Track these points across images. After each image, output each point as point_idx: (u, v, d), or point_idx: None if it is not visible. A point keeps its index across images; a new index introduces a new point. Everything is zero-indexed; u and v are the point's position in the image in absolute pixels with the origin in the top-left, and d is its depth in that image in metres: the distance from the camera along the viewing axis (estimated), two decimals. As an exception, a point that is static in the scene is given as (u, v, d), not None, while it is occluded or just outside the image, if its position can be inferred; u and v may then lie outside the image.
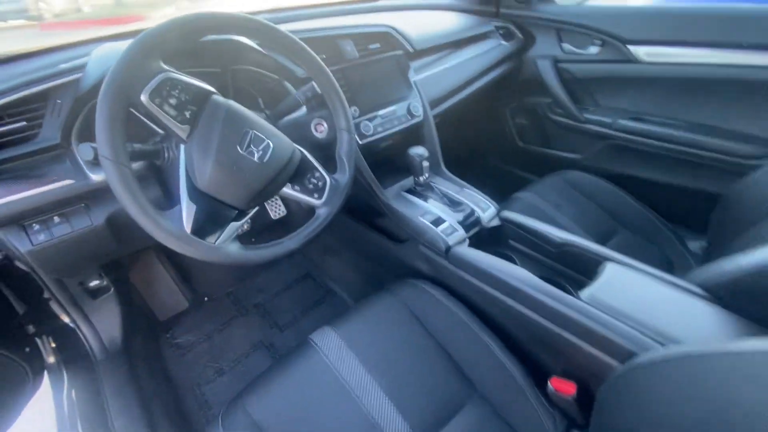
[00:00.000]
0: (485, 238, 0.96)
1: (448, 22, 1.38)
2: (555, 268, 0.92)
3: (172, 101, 0.57)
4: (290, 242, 0.71)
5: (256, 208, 0.70)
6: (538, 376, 0.76)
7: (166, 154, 0.69)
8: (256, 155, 0.63)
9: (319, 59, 0.72)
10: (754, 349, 0.37)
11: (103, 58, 0.68)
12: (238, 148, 0.62)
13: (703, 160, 1.23)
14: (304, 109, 0.90)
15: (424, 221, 0.93)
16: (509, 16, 1.51)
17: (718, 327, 0.62)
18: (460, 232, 0.91)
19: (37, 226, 0.66)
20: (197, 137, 0.60)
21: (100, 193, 0.70)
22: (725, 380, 0.37)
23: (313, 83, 0.75)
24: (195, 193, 0.61)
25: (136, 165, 0.73)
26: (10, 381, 0.85)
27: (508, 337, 0.82)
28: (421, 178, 1.00)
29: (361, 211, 1.15)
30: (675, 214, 1.33)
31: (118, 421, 0.91)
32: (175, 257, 1.33)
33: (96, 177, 0.68)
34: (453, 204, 0.99)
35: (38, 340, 1.02)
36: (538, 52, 1.50)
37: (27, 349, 0.99)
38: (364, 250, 1.26)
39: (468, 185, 1.05)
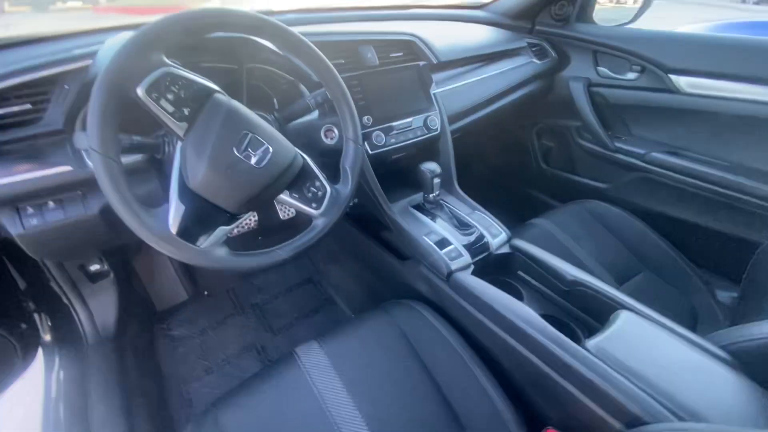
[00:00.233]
0: (492, 265, 0.91)
1: (478, 35, 1.33)
2: (564, 307, 0.86)
3: (170, 97, 0.55)
4: (281, 251, 0.67)
5: (250, 213, 0.67)
6: (533, 423, 0.70)
7: (166, 149, 0.68)
8: (253, 159, 0.61)
9: (329, 64, 0.69)
10: None
11: (114, 47, 0.67)
12: (235, 150, 0.59)
13: (742, 205, 1.13)
14: (316, 114, 0.88)
15: (428, 241, 0.88)
16: (544, 33, 1.45)
17: (744, 402, 0.55)
18: (465, 257, 0.86)
19: (30, 210, 0.66)
20: (193, 136, 0.58)
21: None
22: None
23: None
24: (186, 193, 0.59)
25: (137, 157, 0.72)
26: (-1, 359, 0.86)
27: (504, 376, 0.76)
28: (431, 196, 0.96)
29: (368, 221, 1.12)
30: (705, 259, 1.23)
31: (96, 409, 0.90)
32: None
33: None
34: (462, 226, 0.94)
35: (36, 318, 1.03)
36: (572, 73, 1.44)
37: (23, 326, 0.99)
38: (367, 262, 1.22)
39: (480, 207, 1.00)
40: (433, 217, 0.96)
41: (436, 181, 0.93)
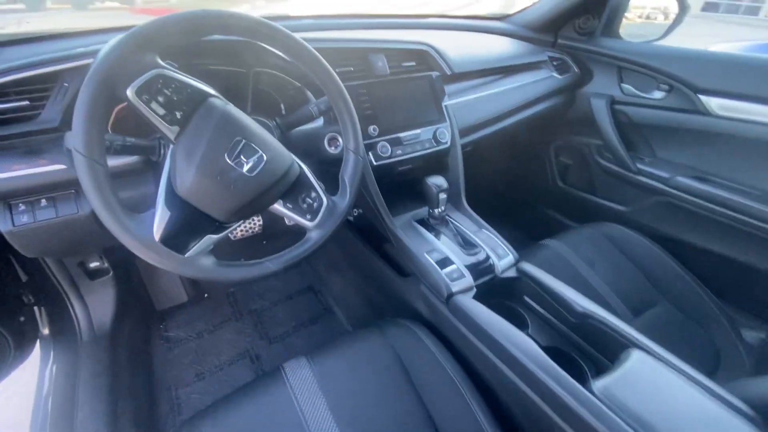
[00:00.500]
0: (497, 289, 0.86)
1: (497, 47, 1.29)
2: (572, 339, 0.80)
3: (162, 99, 0.53)
4: (270, 264, 0.65)
5: (240, 222, 0.65)
6: None
7: (162, 151, 0.66)
8: (245, 166, 0.58)
9: (331, 71, 0.66)
10: None
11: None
12: (226, 156, 0.57)
13: None
14: (321, 121, 0.85)
15: (430, 260, 0.84)
16: (567, 47, 1.40)
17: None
18: (467, 279, 0.81)
19: (22, 207, 0.65)
20: (184, 140, 0.56)
21: None
22: None
23: None
24: (173, 199, 0.57)
25: (133, 159, 0.70)
26: (-12, 351, 0.86)
27: (499, 410, 0.71)
28: (436, 211, 0.92)
29: (370, 232, 1.08)
30: (731, 293, 1.15)
31: (82, 411, 0.89)
32: None
33: None
34: (466, 245, 0.89)
35: (35, 311, 1.03)
36: (594, 89, 1.38)
37: (21, 318, 0.99)
38: (368, 275, 1.19)
39: (487, 226, 0.95)
40: (437, 234, 0.92)
41: (442, 196, 0.89)
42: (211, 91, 0.59)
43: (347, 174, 0.71)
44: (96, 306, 1.04)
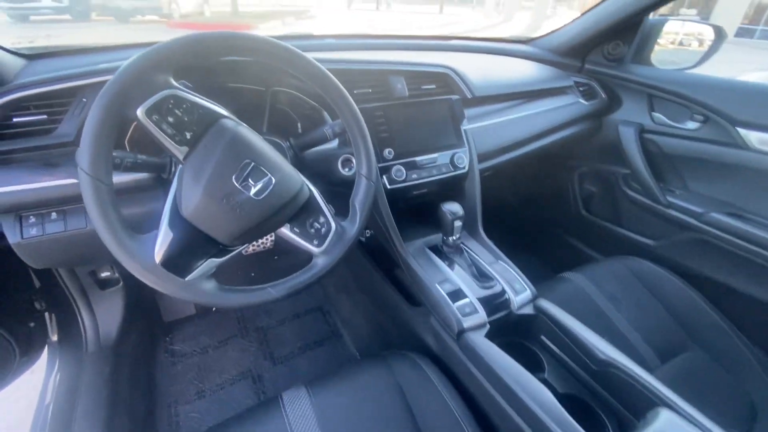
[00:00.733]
0: (512, 326, 0.80)
1: (521, 71, 1.26)
2: (592, 388, 0.73)
3: (172, 120, 0.53)
4: (273, 290, 0.62)
5: (244, 246, 0.63)
6: None
7: (173, 169, 0.65)
8: (252, 189, 0.56)
9: (346, 94, 0.65)
10: None
11: None
12: (233, 179, 0.55)
13: None
14: (336, 142, 0.84)
15: (441, 291, 0.80)
16: (594, 73, 1.35)
17: None
18: (481, 314, 0.77)
19: (32, 219, 0.65)
20: (193, 161, 0.55)
21: None
22: None
23: None
24: (177, 220, 0.55)
25: (145, 175, 0.70)
26: (-5, 358, 0.86)
27: None
28: (451, 239, 0.88)
29: (381, 255, 1.05)
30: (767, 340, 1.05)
31: (79, 424, 0.87)
32: None
33: None
34: (481, 277, 0.85)
35: (45, 318, 1.04)
36: (623, 117, 1.32)
37: (31, 324, 1.00)
38: (377, 301, 1.15)
39: (504, 257, 0.90)
40: (451, 263, 0.88)
41: (458, 223, 0.85)
42: (223, 112, 0.58)
43: (358, 199, 0.69)
44: (104, 316, 1.04)
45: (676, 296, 1.04)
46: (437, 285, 0.81)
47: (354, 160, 0.81)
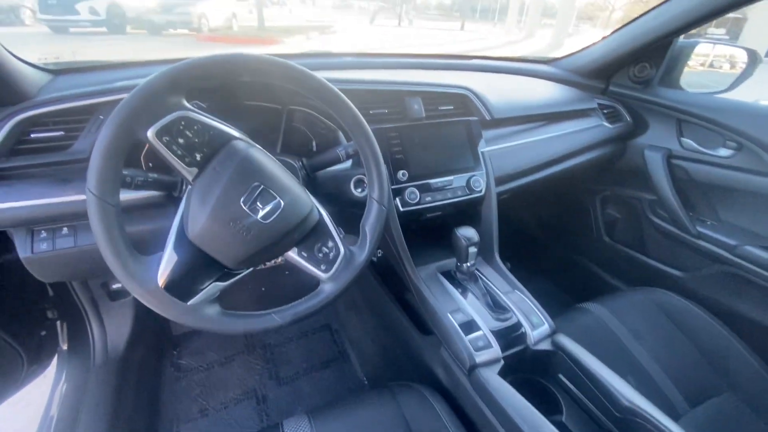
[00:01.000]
0: (528, 362, 0.76)
1: (543, 92, 1.22)
2: (613, 435, 0.68)
3: (182, 141, 0.52)
4: (277, 316, 0.60)
5: (249, 270, 0.61)
6: None
7: (183, 187, 0.65)
8: (260, 213, 0.55)
9: (360, 118, 0.63)
10: None
11: None
12: (241, 202, 0.54)
13: None
14: (349, 162, 0.82)
15: (453, 322, 0.76)
16: (619, 95, 1.31)
17: None
18: (495, 349, 0.72)
19: (44, 234, 0.65)
20: (201, 182, 0.54)
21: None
22: None
23: None
24: (183, 243, 0.54)
25: (155, 192, 0.70)
26: (2, 367, 0.86)
27: None
28: (465, 265, 0.84)
29: (391, 278, 1.02)
30: None
31: None
32: None
33: None
34: (496, 307, 0.81)
35: (57, 327, 1.04)
36: (649, 141, 1.27)
37: (43, 333, 1.01)
38: (386, 325, 1.12)
39: (521, 286, 0.86)
40: (464, 291, 0.84)
41: (472, 250, 0.82)
42: (235, 134, 0.57)
43: (369, 224, 0.66)
44: (113, 327, 1.04)
45: (706, 333, 0.97)
46: (449, 315, 0.77)
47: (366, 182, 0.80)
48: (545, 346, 0.76)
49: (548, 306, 0.83)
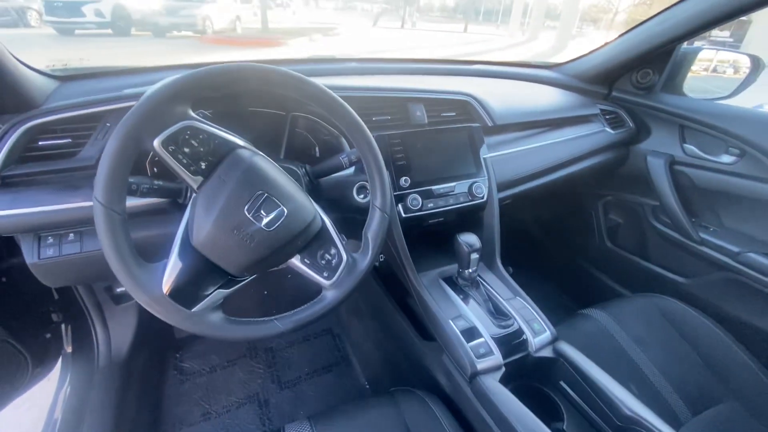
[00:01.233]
0: (529, 369, 0.76)
1: (545, 98, 1.23)
2: (615, 445, 0.68)
3: (187, 150, 0.53)
4: (279, 323, 0.60)
5: (253, 277, 0.61)
6: None
7: (189, 194, 0.66)
8: (264, 220, 0.56)
9: (363, 127, 0.64)
10: None
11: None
12: (245, 210, 0.55)
13: None
14: (352, 169, 0.83)
15: (455, 329, 0.76)
16: (622, 101, 1.31)
17: None
18: (496, 356, 0.73)
19: (50, 240, 0.66)
20: (206, 191, 0.55)
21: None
22: None
23: None
24: (187, 250, 0.55)
25: (161, 199, 0.70)
26: (7, 369, 0.87)
27: None
28: (467, 272, 0.85)
29: (393, 283, 1.02)
30: None
31: None
32: None
33: None
34: (497, 314, 0.81)
35: (61, 329, 1.05)
36: (651, 147, 1.27)
37: (48, 335, 1.01)
38: (388, 331, 1.12)
39: (523, 293, 0.86)
40: (466, 297, 0.85)
41: (474, 256, 0.82)
42: (240, 142, 0.58)
43: (371, 231, 0.67)
44: (117, 331, 1.05)
45: (709, 340, 0.97)
46: (451, 321, 0.78)
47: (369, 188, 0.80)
48: (547, 353, 0.76)
49: (550, 311, 0.83)
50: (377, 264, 1.09)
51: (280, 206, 0.57)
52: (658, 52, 1.16)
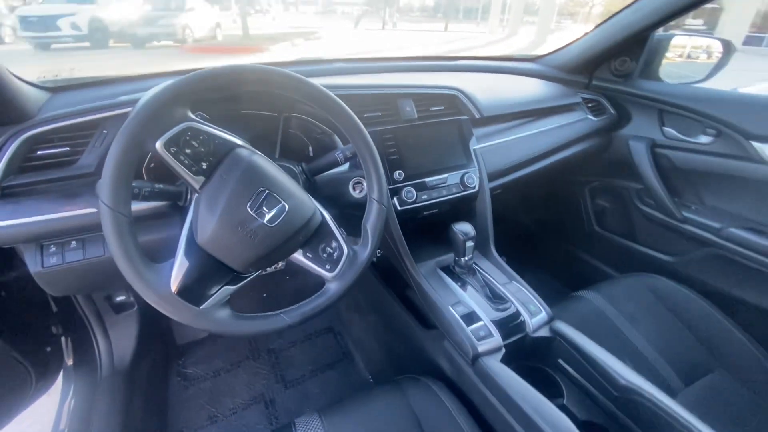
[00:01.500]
0: (527, 349, 0.79)
1: (529, 89, 1.26)
2: (614, 414, 0.71)
3: (189, 151, 0.54)
4: (286, 317, 0.62)
5: (257, 273, 0.63)
6: None
7: (189, 196, 0.67)
8: (266, 216, 0.57)
9: (358, 122, 0.66)
10: None
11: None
12: (248, 207, 0.56)
13: None
14: (346, 165, 0.85)
15: (455, 314, 0.79)
16: (602, 89, 1.35)
17: None
18: (496, 338, 0.75)
19: (53, 248, 0.67)
20: (208, 190, 0.56)
21: None
22: None
23: None
24: (193, 249, 0.56)
25: (161, 202, 0.71)
26: (12, 383, 0.87)
27: None
28: (463, 260, 0.87)
29: (392, 276, 1.04)
30: None
31: None
32: None
33: None
34: (495, 298, 0.84)
35: (61, 342, 1.05)
36: (633, 132, 1.31)
37: (48, 349, 1.01)
38: (389, 323, 1.14)
39: (518, 277, 0.89)
40: (463, 284, 0.87)
41: (469, 244, 0.85)
42: (239, 142, 0.60)
43: (370, 223, 0.69)
44: (119, 340, 1.05)
45: (697, 314, 1.01)
46: (450, 308, 0.80)
47: (364, 183, 0.82)
48: (544, 333, 0.79)
49: (544, 296, 0.86)
50: (374, 260, 1.11)
51: (281, 202, 0.58)
52: (634, 40, 1.21)
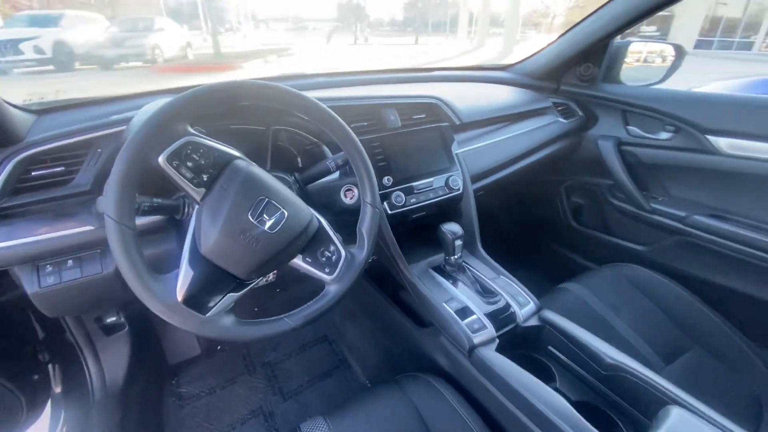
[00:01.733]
0: (519, 339, 0.83)
1: (502, 96, 1.34)
2: (603, 393, 0.76)
3: (190, 164, 0.56)
4: (289, 320, 0.64)
5: (260, 279, 0.65)
6: None
7: (186, 210, 0.68)
8: (267, 224, 0.59)
9: (349, 131, 0.69)
10: None
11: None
12: (249, 215, 0.59)
13: None
14: (337, 173, 0.88)
15: (449, 310, 0.82)
16: (570, 93, 1.45)
17: None
18: (489, 330, 0.79)
19: (49, 268, 0.66)
20: (210, 201, 0.58)
21: None
22: None
23: None
24: (196, 259, 0.58)
25: (158, 217, 0.72)
26: (3, 412, 0.84)
27: None
28: (453, 258, 0.91)
29: (386, 280, 1.07)
30: (764, 334, 1.09)
31: None
32: None
33: None
34: (485, 293, 0.88)
35: (49, 369, 1.02)
36: (600, 132, 1.41)
37: (35, 377, 0.98)
38: (384, 326, 1.16)
39: (505, 272, 0.94)
40: (455, 282, 0.91)
41: (458, 243, 0.89)
42: (236, 154, 0.62)
43: (365, 226, 0.72)
44: (110, 363, 1.03)
45: (671, 298, 1.08)
46: (444, 304, 0.83)
47: (355, 189, 0.86)
48: (533, 322, 0.84)
49: (529, 289, 0.91)
50: (366, 266, 1.13)
51: (280, 209, 0.61)
52: (596, 48, 1.30)
